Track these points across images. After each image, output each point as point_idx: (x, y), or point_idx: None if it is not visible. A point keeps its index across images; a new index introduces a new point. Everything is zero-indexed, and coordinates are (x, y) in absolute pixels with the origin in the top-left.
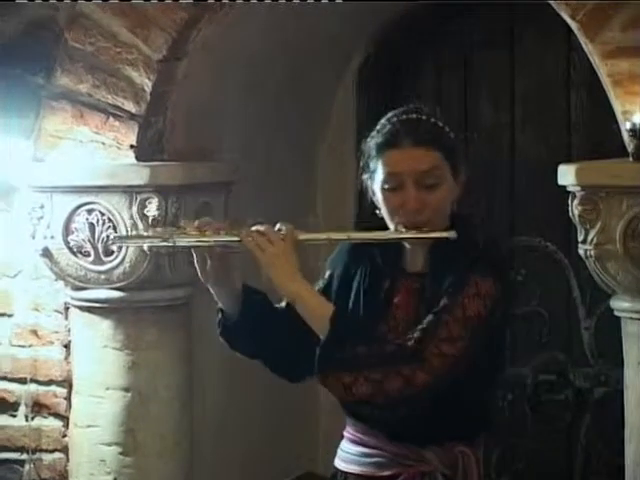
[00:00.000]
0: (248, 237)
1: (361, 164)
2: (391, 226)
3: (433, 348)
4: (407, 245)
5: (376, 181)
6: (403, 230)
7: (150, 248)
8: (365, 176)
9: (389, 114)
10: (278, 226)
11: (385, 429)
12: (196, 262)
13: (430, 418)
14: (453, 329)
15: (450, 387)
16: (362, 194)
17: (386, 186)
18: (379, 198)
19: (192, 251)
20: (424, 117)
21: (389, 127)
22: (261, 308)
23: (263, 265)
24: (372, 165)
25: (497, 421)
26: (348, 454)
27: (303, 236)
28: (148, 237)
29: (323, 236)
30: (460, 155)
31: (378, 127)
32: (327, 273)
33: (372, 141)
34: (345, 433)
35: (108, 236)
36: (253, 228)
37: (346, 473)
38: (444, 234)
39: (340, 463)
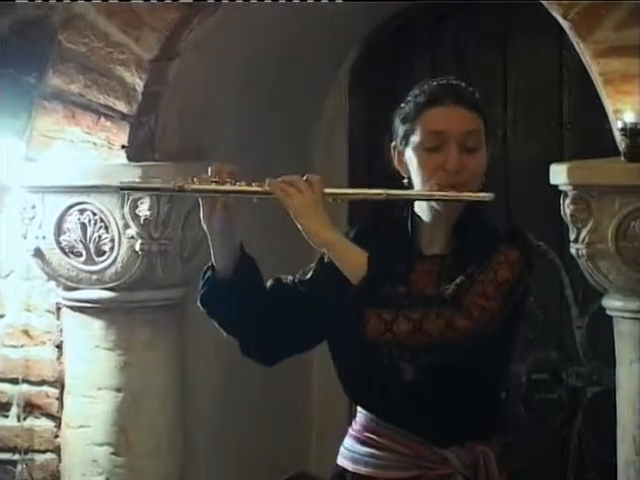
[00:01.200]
0: (275, 186)
1: (392, 130)
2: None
3: (471, 299)
4: (428, 221)
5: (412, 143)
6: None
7: (142, 248)
8: (394, 142)
9: (424, 81)
10: (305, 177)
11: (404, 423)
12: (202, 208)
13: (450, 413)
14: (487, 289)
15: (470, 372)
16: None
17: (427, 145)
18: (413, 161)
19: (199, 199)
20: (463, 84)
21: (430, 88)
22: (254, 274)
23: (293, 214)
24: (408, 127)
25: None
26: (357, 454)
27: (331, 190)
28: (159, 184)
29: (355, 191)
30: (492, 129)
31: (416, 91)
32: None
33: (410, 103)
34: (351, 432)
35: (100, 237)
36: (280, 179)
37: (356, 474)
38: (482, 195)
39: (347, 463)
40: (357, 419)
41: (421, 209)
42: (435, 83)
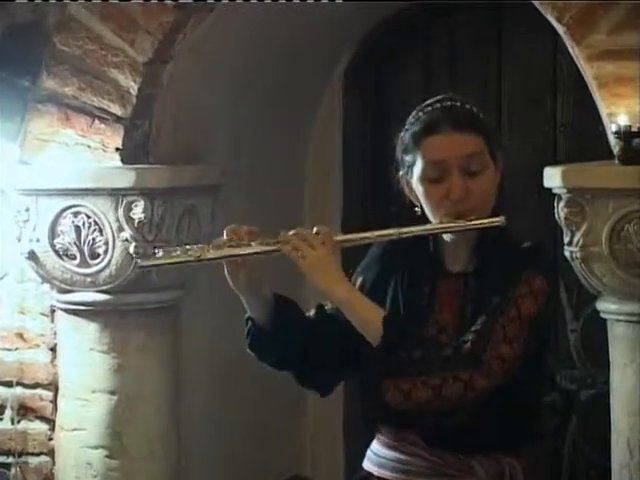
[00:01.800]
0: (286, 244)
1: (397, 160)
2: (434, 220)
3: (491, 351)
4: (448, 241)
5: (415, 174)
6: (449, 222)
7: (136, 251)
8: (401, 172)
9: (420, 106)
10: (315, 229)
11: (432, 439)
12: (227, 272)
13: (478, 424)
14: (509, 329)
15: (502, 393)
16: (348, 195)
17: (428, 176)
18: (419, 192)
19: (223, 262)
20: (459, 104)
21: (425, 116)
22: (293, 317)
23: (306, 272)
24: (409, 158)
25: None
26: (384, 459)
27: (343, 237)
28: (177, 257)
29: (367, 235)
30: (497, 141)
31: (411, 119)
32: (358, 281)
33: (408, 133)
34: (379, 436)
35: (94, 239)
36: (290, 233)
37: (382, 479)
38: (494, 220)
39: (373, 467)
40: (385, 423)
41: None
42: (430, 108)
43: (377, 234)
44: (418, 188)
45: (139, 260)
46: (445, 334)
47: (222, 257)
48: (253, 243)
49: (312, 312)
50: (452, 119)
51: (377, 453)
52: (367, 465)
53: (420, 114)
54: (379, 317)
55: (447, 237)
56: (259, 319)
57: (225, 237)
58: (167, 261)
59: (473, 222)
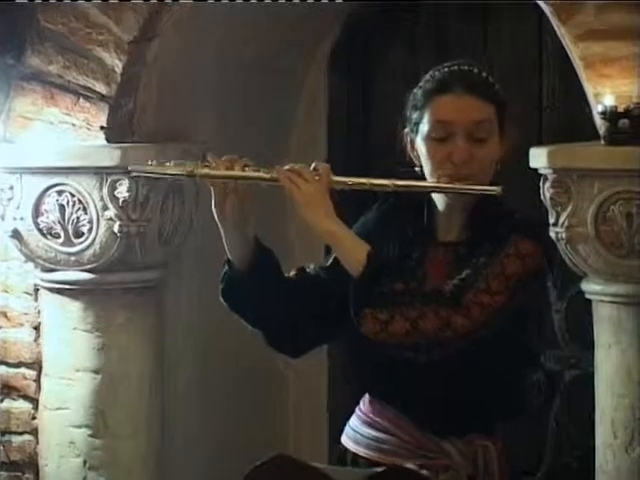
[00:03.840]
0: (283, 174)
1: (404, 116)
2: (432, 180)
3: (472, 296)
4: (442, 210)
5: (421, 132)
6: (447, 182)
7: (121, 230)
8: (406, 129)
9: (437, 67)
10: (313, 165)
11: (407, 410)
12: (214, 198)
13: (451, 403)
14: (492, 283)
15: (481, 347)
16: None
17: (433, 135)
18: (422, 150)
19: (211, 187)
20: (476, 70)
21: (439, 75)
22: (271, 266)
23: (298, 203)
24: (417, 115)
25: None
26: (361, 436)
27: (339, 178)
28: (169, 168)
29: (363, 181)
30: (509, 115)
31: (427, 77)
32: None
33: (420, 90)
34: (359, 412)
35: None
36: (287, 166)
37: (357, 455)
38: (491, 188)
39: (350, 443)
40: (365, 400)
41: (436, 197)
42: (446, 69)
43: (372, 182)
44: (421, 146)
45: (130, 167)
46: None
47: (215, 176)
48: (248, 169)
49: (292, 272)
50: (466, 82)
51: (354, 429)
52: (344, 440)
53: (436, 73)
54: (364, 250)
55: (441, 205)
56: (238, 260)
57: (222, 159)
58: (158, 170)
59: (470, 187)
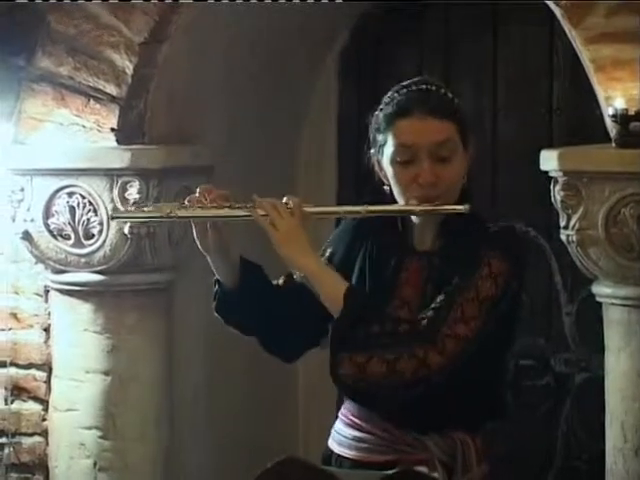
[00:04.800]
0: (258, 211)
1: (369, 138)
2: (401, 202)
3: (446, 330)
4: (416, 221)
5: (385, 155)
6: (415, 204)
7: (131, 231)
8: (372, 150)
9: (396, 87)
10: (285, 200)
11: (386, 414)
12: (195, 233)
13: (433, 403)
14: (466, 310)
15: (458, 373)
16: (342, 178)
17: (398, 159)
18: (389, 173)
19: (191, 222)
20: (434, 88)
21: (399, 97)
22: (259, 281)
23: (274, 241)
24: (381, 138)
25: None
26: (342, 437)
27: (312, 209)
28: (149, 212)
29: (335, 209)
30: (469, 127)
31: (386, 99)
32: (328, 252)
33: (381, 113)
34: (340, 415)
35: (100, 215)
36: (260, 201)
37: (341, 456)
38: (458, 207)
39: (334, 445)
40: (345, 403)
41: None
42: (405, 90)
43: (345, 210)
44: (388, 169)
45: (111, 212)
46: (407, 309)
47: (192, 217)
48: (224, 206)
49: (281, 280)
50: (426, 103)
51: (338, 431)
52: (330, 443)
53: (395, 95)
54: (342, 289)
55: (414, 218)
56: (226, 281)
57: (197, 195)
58: (138, 215)
59: (438, 207)
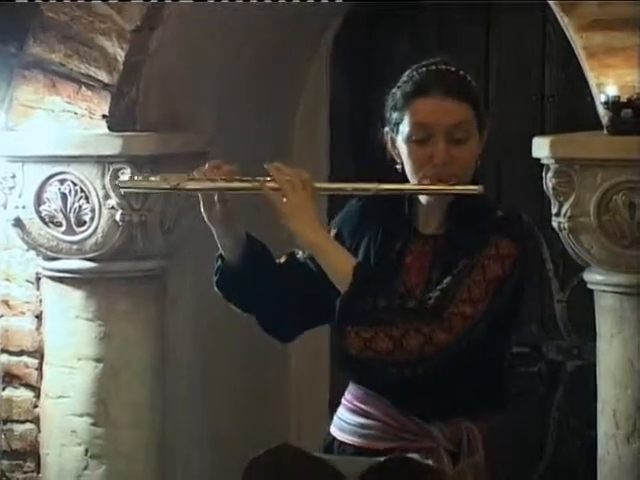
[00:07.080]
0: (267, 185)
1: (385, 115)
2: (413, 181)
3: (453, 308)
4: (424, 202)
5: (401, 132)
6: (428, 184)
7: (123, 219)
8: (387, 128)
9: (415, 66)
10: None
11: (391, 398)
12: (202, 205)
13: (437, 388)
14: (473, 291)
15: (463, 353)
16: (335, 165)
17: (413, 137)
18: (403, 151)
19: (199, 195)
20: (454, 69)
21: (418, 76)
22: (263, 259)
23: (283, 214)
24: (397, 116)
25: None
26: (345, 423)
27: (321, 185)
28: (156, 182)
29: (344, 186)
30: (485, 112)
31: (405, 78)
32: (332, 232)
33: (399, 91)
34: (344, 401)
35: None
36: (274, 166)
37: (343, 443)
38: (472, 187)
39: (337, 431)
40: (349, 388)
41: None
42: (424, 69)
43: (354, 187)
44: (402, 147)
45: (118, 182)
46: (412, 293)
47: (200, 189)
48: (234, 179)
49: (283, 258)
50: (444, 84)
51: (341, 417)
52: (332, 429)
53: (414, 74)
54: (350, 264)
55: (423, 199)
56: (229, 257)
57: (206, 168)
58: (145, 185)
59: (451, 187)
